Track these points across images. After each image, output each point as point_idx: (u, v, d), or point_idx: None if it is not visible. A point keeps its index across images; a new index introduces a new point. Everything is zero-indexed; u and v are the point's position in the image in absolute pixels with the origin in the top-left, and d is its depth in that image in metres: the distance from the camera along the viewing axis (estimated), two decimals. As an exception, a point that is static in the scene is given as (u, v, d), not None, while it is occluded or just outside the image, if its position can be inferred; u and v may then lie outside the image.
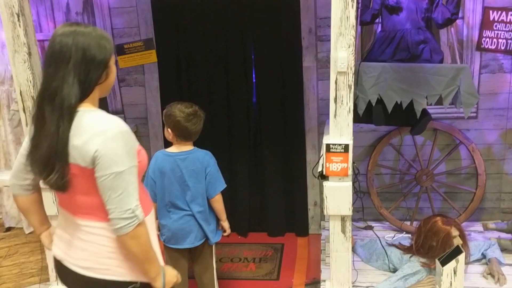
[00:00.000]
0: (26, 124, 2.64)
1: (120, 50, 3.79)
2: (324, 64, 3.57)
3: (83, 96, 1.55)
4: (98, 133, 1.50)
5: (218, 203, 2.68)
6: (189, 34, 3.67)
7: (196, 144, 2.67)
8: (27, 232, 3.14)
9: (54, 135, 1.49)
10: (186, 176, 2.57)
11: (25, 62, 2.53)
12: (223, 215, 2.74)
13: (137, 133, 3.95)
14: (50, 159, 1.51)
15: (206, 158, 2.61)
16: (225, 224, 2.77)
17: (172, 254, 2.72)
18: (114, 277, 1.65)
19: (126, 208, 1.53)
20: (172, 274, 1.78)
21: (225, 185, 2.68)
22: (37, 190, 1.81)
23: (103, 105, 3.98)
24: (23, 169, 1.70)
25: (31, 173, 1.68)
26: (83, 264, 1.65)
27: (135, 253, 1.59)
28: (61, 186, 1.55)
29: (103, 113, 1.58)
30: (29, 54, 2.53)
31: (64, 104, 1.49)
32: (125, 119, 3.96)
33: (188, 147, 2.61)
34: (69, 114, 1.51)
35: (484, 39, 3.39)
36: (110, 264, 1.64)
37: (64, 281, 1.76)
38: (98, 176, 1.51)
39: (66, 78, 1.50)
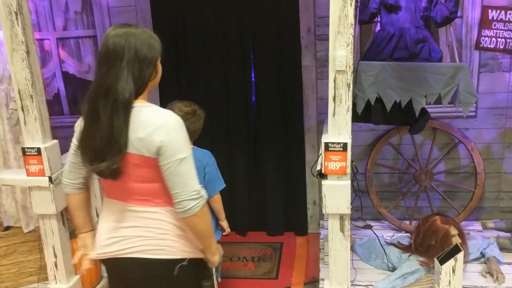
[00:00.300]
0: (25, 123, 2.64)
1: (119, 49, 3.79)
2: (323, 63, 3.57)
3: (137, 92, 1.67)
4: (161, 126, 1.63)
5: (217, 202, 2.69)
6: (188, 33, 3.66)
7: (196, 143, 2.67)
8: (25, 231, 3.14)
9: (108, 127, 1.60)
10: None
11: (23, 61, 2.52)
12: (222, 214, 2.74)
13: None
14: (104, 149, 1.62)
15: (206, 157, 2.61)
16: (224, 224, 2.77)
17: None
18: (166, 256, 1.77)
19: (192, 190, 1.67)
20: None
21: (224, 185, 2.68)
22: (87, 189, 1.94)
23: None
24: (75, 168, 1.85)
25: (82, 171, 1.85)
26: (138, 248, 1.76)
27: (201, 231, 1.76)
28: (112, 173, 1.66)
29: (158, 108, 1.71)
30: (28, 52, 2.53)
31: (119, 98, 1.61)
32: (124, 118, 3.95)
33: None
34: (124, 108, 1.62)
35: (483, 38, 3.39)
36: (163, 244, 1.76)
37: (117, 276, 1.88)
38: (164, 164, 1.64)
39: (119, 75, 1.62)
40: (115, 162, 1.63)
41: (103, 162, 1.64)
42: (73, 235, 3.08)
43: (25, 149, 2.65)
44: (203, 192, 1.71)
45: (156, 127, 1.63)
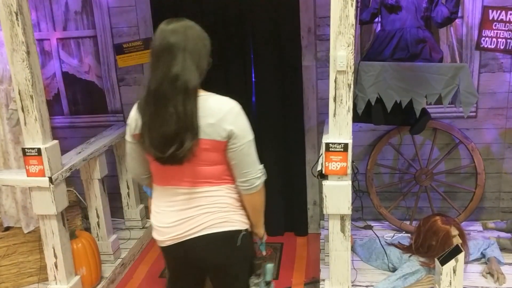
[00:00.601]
0: (25, 124, 2.64)
1: (119, 49, 3.79)
2: (323, 63, 3.57)
3: (199, 81, 1.78)
4: (228, 112, 1.78)
5: None
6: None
7: None
8: (26, 231, 3.13)
9: (183, 114, 1.70)
10: None
11: (23, 61, 2.53)
12: None
13: (136, 132, 3.94)
14: (180, 134, 1.71)
15: None
16: None
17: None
18: (230, 228, 1.90)
19: (258, 168, 1.89)
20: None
21: None
22: (151, 182, 2.03)
23: (102, 104, 3.97)
24: (142, 162, 1.96)
25: (147, 168, 1.97)
26: (205, 225, 1.87)
27: (257, 205, 1.97)
28: (181, 159, 1.75)
29: (219, 95, 1.85)
30: (28, 53, 2.53)
31: (189, 87, 1.72)
32: (124, 119, 3.95)
33: None
34: (194, 96, 1.74)
35: (483, 38, 3.39)
36: (226, 217, 1.89)
37: (182, 259, 1.97)
38: (237, 147, 1.80)
39: (185, 65, 1.72)
40: (190, 146, 1.72)
41: (177, 147, 1.72)
42: (73, 235, 3.09)
43: (25, 149, 2.65)
44: (264, 170, 1.92)
45: (225, 113, 1.77)
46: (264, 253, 2.23)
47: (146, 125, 1.77)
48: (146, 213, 4.08)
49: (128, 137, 1.94)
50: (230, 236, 1.91)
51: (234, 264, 1.98)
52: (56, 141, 2.75)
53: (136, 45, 3.77)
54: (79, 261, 3.04)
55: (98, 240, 3.38)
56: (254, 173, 1.87)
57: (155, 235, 1.98)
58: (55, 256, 2.85)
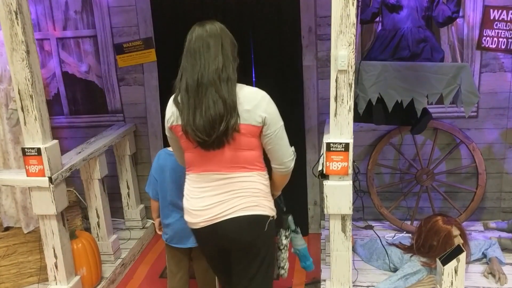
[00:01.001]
0: (25, 123, 2.63)
1: (119, 49, 3.78)
2: (324, 63, 3.57)
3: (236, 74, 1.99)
4: (262, 99, 1.97)
5: None
6: (188, 33, 3.64)
7: None
8: (25, 231, 3.12)
9: (227, 100, 1.89)
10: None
11: (23, 61, 2.52)
12: None
13: (136, 132, 3.94)
14: (224, 118, 1.89)
15: None
16: None
17: (174, 254, 2.71)
18: (261, 212, 2.05)
19: (291, 150, 2.11)
20: None
21: None
22: None
23: (102, 104, 3.94)
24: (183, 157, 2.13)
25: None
26: (239, 207, 2.01)
27: (285, 182, 2.21)
28: (224, 141, 1.94)
29: (249, 86, 2.03)
30: (28, 52, 2.52)
31: (231, 77, 1.93)
32: (124, 119, 3.95)
33: None
34: (235, 85, 1.95)
35: (484, 38, 3.38)
36: (257, 201, 2.04)
37: (212, 241, 2.11)
38: (272, 131, 2.00)
39: (225, 59, 1.93)
40: (233, 128, 1.91)
41: (222, 130, 1.90)
42: (73, 235, 3.08)
43: (25, 149, 2.64)
44: (295, 151, 2.13)
45: (259, 100, 1.96)
46: (284, 207, 2.44)
47: (190, 114, 1.92)
48: (146, 213, 4.07)
49: (168, 133, 2.14)
50: (259, 220, 2.06)
51: (261, 247, 2.10)
52: (56, 141, 2.74)
53: (136, 45, 3.76)
54: (79, 261, 3.03)
55: (98, 240, 3.37)
56: (289, 155, 2.09)
57: (188, 217, 2.12)
58: (55, 256, 2.84)
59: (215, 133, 1.91)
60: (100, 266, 3.21)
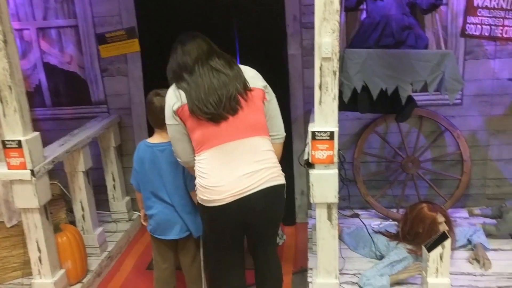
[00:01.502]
0: (4, 115, 2.57)
1: (102, 39, 3.72)
2: (309, 51, 3.54)
3: None
4: (258, 73, 2.30)
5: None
6: (172, 22, 3.60)
7: None
8: (8, 225, 3.07)
9: (238, 72, 2.20)
10: (165, 168, 2.51)
11: (0, 51, 2.45)
12: None
13: (120, 123, 3.89)
14: (234, 84, 2.15)
15: None
16: None
17: (159, 245, 2.69)
18: (282, 181, 2.22)
19: (282, 121, 2.35)
20: None
21: None
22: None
23: (85, 95, 3.87)
24: (188, 146, 2.25)
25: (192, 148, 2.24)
26: (264, 179, 2.12)
27: (281, 151, 2.38)
28: (236, 107, 2.13)
29: None
30: (5, 42, 2.45)
31: (231, 58, 2.27)
32: (108, 110, 3.90)
33: (166, 137, 2.44)
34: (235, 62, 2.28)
35: (468, 25, 3.37)
36: (278, 171, 2.21)
37: (233, 218, 2.17)
38: (270, 99, 2.27)
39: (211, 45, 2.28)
40: (243, 91, 2.15)
41: (233, 94, 2.12)
42: (57, 229, 3.04)
43: (5, 141, 2.59)
44: None
45: (256, 72, 2.29)
46: None
47: (200, 92, 2.12)
48: (132, 205, 4.04)
49: (171, 121, 2.20)
50: (282, 189, 2.22)
51: (280, 215, 2.30)
52: (37, 133, 2.69)
53: (119, 35, 3.70)
54: (64, 255, 3.00)
55: (84, 233, 3.34)
56: (282, 125, 2.34)
57: (210, 195, 2.13)
58: (39, 250, 2.80)
59: (223, 102, 2.10)
60: (85, 259, 3.17)
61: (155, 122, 2.53)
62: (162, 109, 2.33)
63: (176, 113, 2.16)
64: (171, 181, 2.53)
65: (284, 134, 2.36)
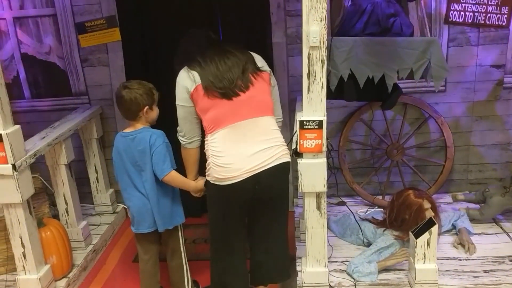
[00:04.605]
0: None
1: (81, 28, 3.62)
2: (293, 40, 3.51)
3: None
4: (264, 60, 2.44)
5: (172, 183, 2.58)
6: (154, 10, 3.53)
7: (161, 126, 2.62)
8: (-10, 221, 3.00)
9: (248, 55, 2.35)
10: (136, 157, 2.52)
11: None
12: (186, 186, 2.60)
13: (102, 115, 3.81)
14: (245, 65, 2.29)
15: (153, 137, 2.50)
16: (191, 185, 2.60)
17: (138, 237, 2.72)
18: (288, 159, 2.35)
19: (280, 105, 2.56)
20: None
21: (173, 167, 2.55)
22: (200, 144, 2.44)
23: (65, 86, 3.79)
24: (195, 124, 2.37)
25: (199, 125, 2.38)
26: (275, 157, 2.27)
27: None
28: (248, 84, 2.27)
29: None
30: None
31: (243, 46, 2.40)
32: (89, 101, 3.82)
33: (138, 126, 2.54)
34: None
35: (451, 12, 3.40)
36: (285, 150, 2.35)
37: (243, 195, 2.27)
38: (274, 84, 2.45)
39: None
40: (256, 70, 2.31)
41: (246, 75, 2.26)
42: (41, 223, 2.97)
43: (-15, 135, 2.51)
44: None
45: (262, 59, 2.42)
46: None
47: (215, 68, 2.24)
48: (116, 197, 3.98)
49: (184, 102, 2.30)
50: (288, 166, 2.35)
51: (287, 191, 2.42)
52: (18, 126, 2.62)
53: (99, 24, 3.61)
54: (49, 249, 2.94)
55: (68, 227, 3.28)
56: (281, 110, 2.55)
57: (225, 173, 2.22)
58: (23, 246, 2.74)
59: (236, 78, 2.23)
60: (70, 254, 3.12)
61: (127, 114, 2.54)
62: (132, 101, 2.45)
63: (191, 95, 2.27)
64: (143, 170, 2.53)
65: (282, 119, 2.55)
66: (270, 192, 2.30)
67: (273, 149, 2.27)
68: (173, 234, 2.71)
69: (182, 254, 2.77)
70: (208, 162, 2.31)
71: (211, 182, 2.28)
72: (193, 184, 2.58)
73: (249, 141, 2.24)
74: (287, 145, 2.38)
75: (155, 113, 2.59)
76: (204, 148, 2.38)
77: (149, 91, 2.52)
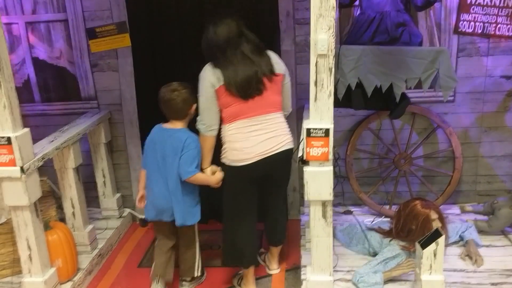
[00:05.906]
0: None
1: (92, 33, 3.66)
2: (302, 48, 3.52)
3: None
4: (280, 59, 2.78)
5: (195, 182, 2.76)
6: (163, 17, 3.56)
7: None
8: (-3, 223, 3.02)
9: (266, 60, 2.65)
10: (168, 152, 2.70)
11: (-11, 45, 2.40)
12: (208, 182, 2.79)
13: (111, 119, 3.84)
14: (263, 68, 2.62)
15: (189, 140, 2.69)
16: (213, 180, 2.79)
17: (157, 227, 2.92)
18: (292, 146, 2.77)
19: (290, 99, 2.88)
20: None
21: (194, 173, 2.70)
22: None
23: (74, 91, 3.82)
24: (217, 114, 2.66)
25: (218, 119, 2.68)
26: (282, 143, 2.69)
27: None
28: (262, 88, 2.61)
29: None
30: (-6, 36, 2.40)
31: (261, 44, 2.68)
32: (98, 106, 3.84)
33: (178, 126, 2.77)
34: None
35: (461, 22, 3.39)
36: (290, 138, 2.77)
37: (256, 174, 2.69)
38: (287, 82, 2.77)
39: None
40: (268, 74, 2.61)
41: (260, 80, 2.59)
42: (47, 226, 2.99)
43: (-5, 138, 2.53)
44: None
45: (279, 58, 2.76)
46: None
47: (234, 75, 2.55)
48: (123, 202, 4.00)
49: (209, 95, 2.60)
50: (291, 152, 2.75)
51: (289, 172, 2.90)
52: (27, 129, 2.64)
53: (110, 29, 3.64)
54: (55, 252, 2.95)
55: (74, 231, 3.29)
56: (290, 103, 2.88)
57: (240, 155, 2.63)
58: (29, 248, 2.76)
59: (252, 84, 2.55)
60: (76, 257, 3.13)
61: (174, 115, 2.76)
62: (183, 101, 2.71)
63: (216, 91, 2.58)
64: (170, 164, 2.71)
65: (291, 109, 2.91)
66: (278, 170, 2.76)
67: (280, 137, 2.68)
68: (190, 227, 2.89)
69: (196, 244, 2.96)
70: (224, 147, 2.70)
71: (227, 164, 2.70)
72: (213, 178, 2.79)
73: (260, 131, 2.63)
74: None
75: (194, 109, 2.78)
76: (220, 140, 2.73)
77: (192, 91, 2.73)
